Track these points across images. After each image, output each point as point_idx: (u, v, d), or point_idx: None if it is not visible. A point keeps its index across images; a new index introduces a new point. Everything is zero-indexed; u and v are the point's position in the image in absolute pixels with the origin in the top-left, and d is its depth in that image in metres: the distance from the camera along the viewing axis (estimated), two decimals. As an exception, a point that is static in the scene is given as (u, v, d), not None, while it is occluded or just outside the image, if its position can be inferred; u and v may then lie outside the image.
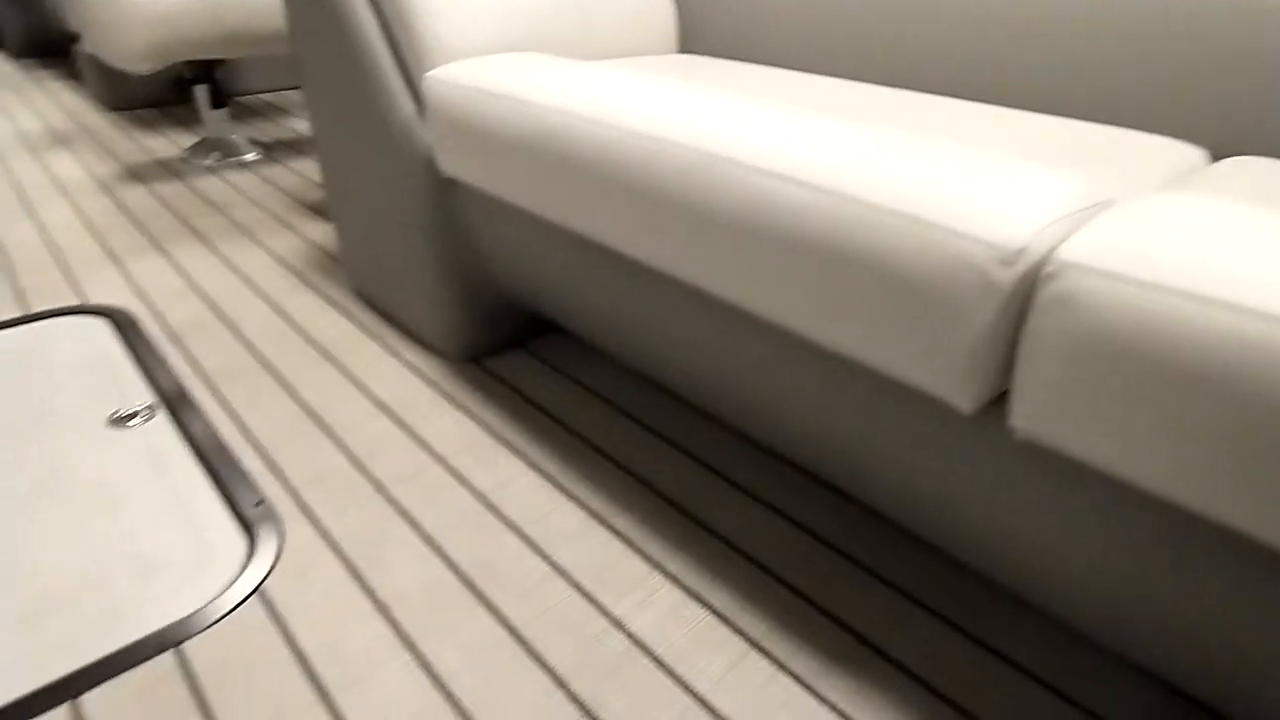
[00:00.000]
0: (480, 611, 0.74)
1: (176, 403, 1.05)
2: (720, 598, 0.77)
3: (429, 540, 0.82)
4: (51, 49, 3.52)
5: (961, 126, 0.82)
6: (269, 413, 1.03)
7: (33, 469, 0.92)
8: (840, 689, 0.68)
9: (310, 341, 1.20)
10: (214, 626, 0.72)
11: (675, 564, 0.80)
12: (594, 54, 1.16)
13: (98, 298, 1.33)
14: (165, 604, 0.74)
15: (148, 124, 2.44)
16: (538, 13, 1.07)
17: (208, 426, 1.00)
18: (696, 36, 1.29)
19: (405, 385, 1.09)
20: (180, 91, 2.69)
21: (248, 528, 0.84)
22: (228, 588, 0.76)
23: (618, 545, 0.82)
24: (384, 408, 1.04)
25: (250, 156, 2.11)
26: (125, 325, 1.24)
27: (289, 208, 1.76)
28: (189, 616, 0.73)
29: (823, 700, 0.67)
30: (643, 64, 1.17)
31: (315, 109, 1.21)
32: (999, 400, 0.56)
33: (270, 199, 1.81)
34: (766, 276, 0.62)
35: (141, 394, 1.06)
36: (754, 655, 0.71)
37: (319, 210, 1.74)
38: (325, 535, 0.83)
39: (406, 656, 0.70)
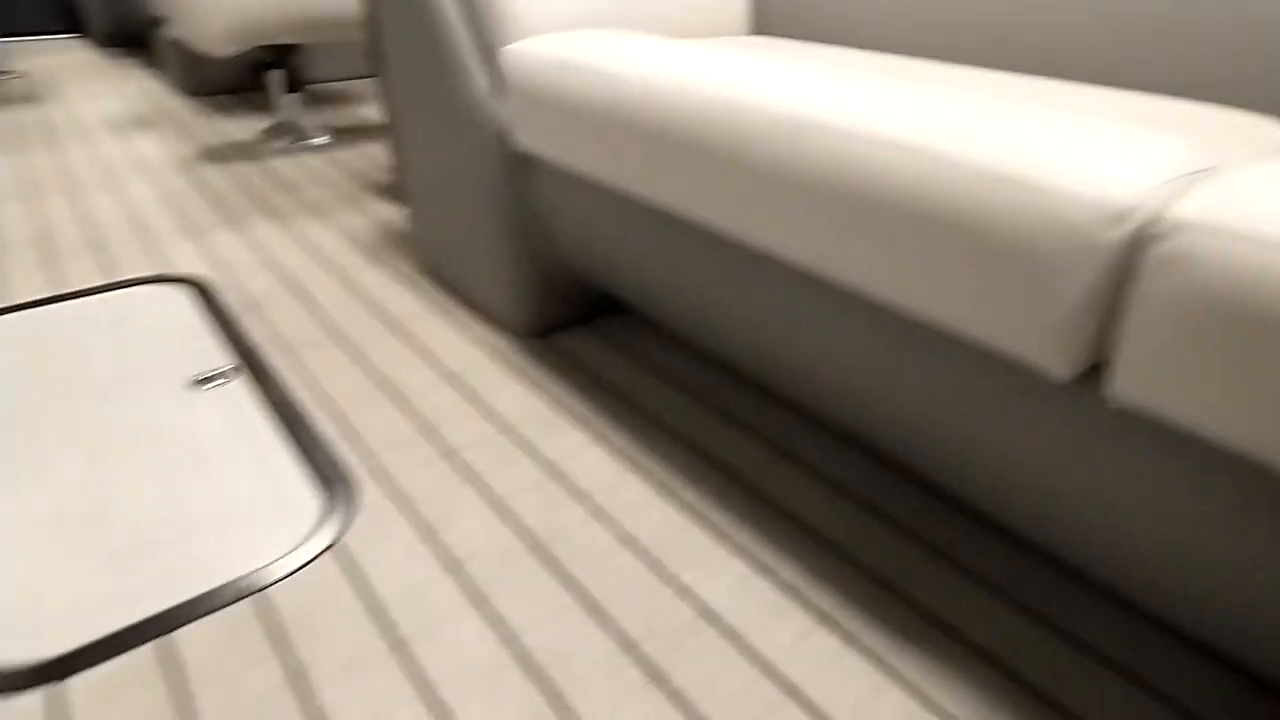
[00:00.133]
0: (549, 574, 0.75)
1: (254, 367, 1.08)
2: (788, 571, 0.76)
3: (498, 504, 0.84)
4: (134, 38, 3.67)
5: (1049, 101, 0.80)
6: (342, 379, 1.06)
7: (122, 424, 0.96)
8: (913, 666, 0.67)
9: (380, 314, 1.23)
10: (294, 576, 0.74)
11: (742, 537, 0.80)
12: (666, 35, 1.16)
13: (179, 268, 1.38)
14: (247, 553, 0.77)
15: (224, 109, 2.53)
16: (614, -10, 1.08)
17: (284, 390, 1.03)
18: (770, 18, 1.28)
19: (473, 357, 1.11)
20: (255, 78, 2.78)
21: (324, 485, 0.86)
22: (306, 540, 0.78)
23: (685, 517, 0.82)
24: (453, 378, 1.06)
25: (320, 140, 2.16)
26: (205, 294, 1.28)
27: (358, 189, 1.80)
28: (270, 565, 0.75)
29: (895, 675, 0.66)
30: (718, 44, 1.16)
31: (392, 90, 1.24)
32: (1092, 370, 0.54)
33: (340, 180, 1.86)
34: (855, 243, 0.61)
35: (221, 358, 1.10)
36: (823, 628, 0.70)
37: (386, 192, 1.78)
38: (398, 495, 0.85)
39: (478, 613, 0.71)
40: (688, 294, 0.91)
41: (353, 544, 0.78)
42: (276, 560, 0.76)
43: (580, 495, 0.85)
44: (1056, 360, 0.52)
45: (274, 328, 1.18)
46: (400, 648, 0.67)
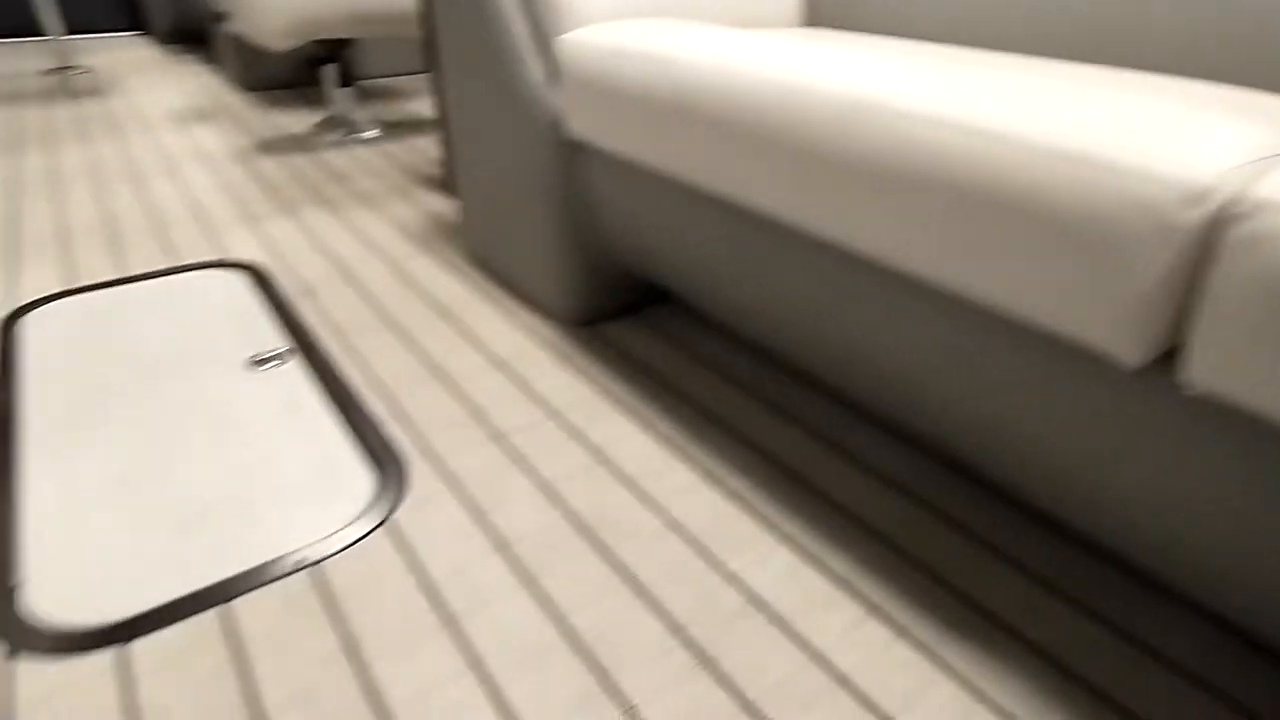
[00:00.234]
0: (597, 556, 0.75)
1: (308, 350, 1.10)
2: (837, 562, 0.75)
3: (546, 487, 0.84)
4: (194, 36, 3.78)
5: (1118, 85, 0.78)
6: (392, 362, 1.07)
7: (184, 401, 0.99)
8: (966, 659, 0.65)
9: (430, 301, 1.25)
10: (347, 550, 0.76)
11: (790, 526, 0.79)
12: (719, 25, 1.16)
13: (236, 254, 1.42)
14: (302, 527, 0.79)
15: (279, 103, 2.59)
16: (668, -20, 1.08)
17: (336, 372, 1.05)
18: (822, 10, 1.27)
19: (521, 344, 1.12)
20: (308, 73, 2.84)
21: (375, 464, 0.88)
22: (358, 517, 0.80)
23: (732, 505, 0.82)
24: (501, 363, 1.07)
25: (371, 134, 2.20)
26: (261, 279, 1.32)
27: (408, 181, 1.83)
28: (324, 539, 0.77)
29: (947, 668, 0.65)
30: (773, 33, 1.16)
31: (444, 82, 1.25)
32: (1164, 356, 0.53)
33: (390, 172, 1.89)
34: (920, 228, 0.60)
35: (276, 340, 1.13)
36: (873, 619, 0.69)
37: (436, 184, 1.81)
38: (448, 476, 0.86)
39: (527, 592, 0.71)
40: (738, 282, 0.90)
41: (404, 521, 0.79)
42: (331, 535, 0.78)
43: (627, 481, 0.85)
44: (1128, 346, 0.50)
45: (327, 312, 1.21)
46: (450, 623, 0.68)
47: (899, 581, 0.73)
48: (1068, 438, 0.62)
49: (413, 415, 0.96)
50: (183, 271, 1.35)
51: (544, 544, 0.77)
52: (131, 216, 1.59)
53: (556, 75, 1.03)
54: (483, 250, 1.34)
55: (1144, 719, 0.61)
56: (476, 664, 0.64)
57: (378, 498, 0.83)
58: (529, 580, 0.73)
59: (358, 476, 0.86)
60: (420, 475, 0.86)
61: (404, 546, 0.76)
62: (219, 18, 2.19)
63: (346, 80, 2.18)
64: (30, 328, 1.16)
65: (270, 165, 1.93)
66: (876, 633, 0.68)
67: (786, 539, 0.78)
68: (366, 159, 2.00)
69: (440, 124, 1.62)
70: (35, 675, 0.63)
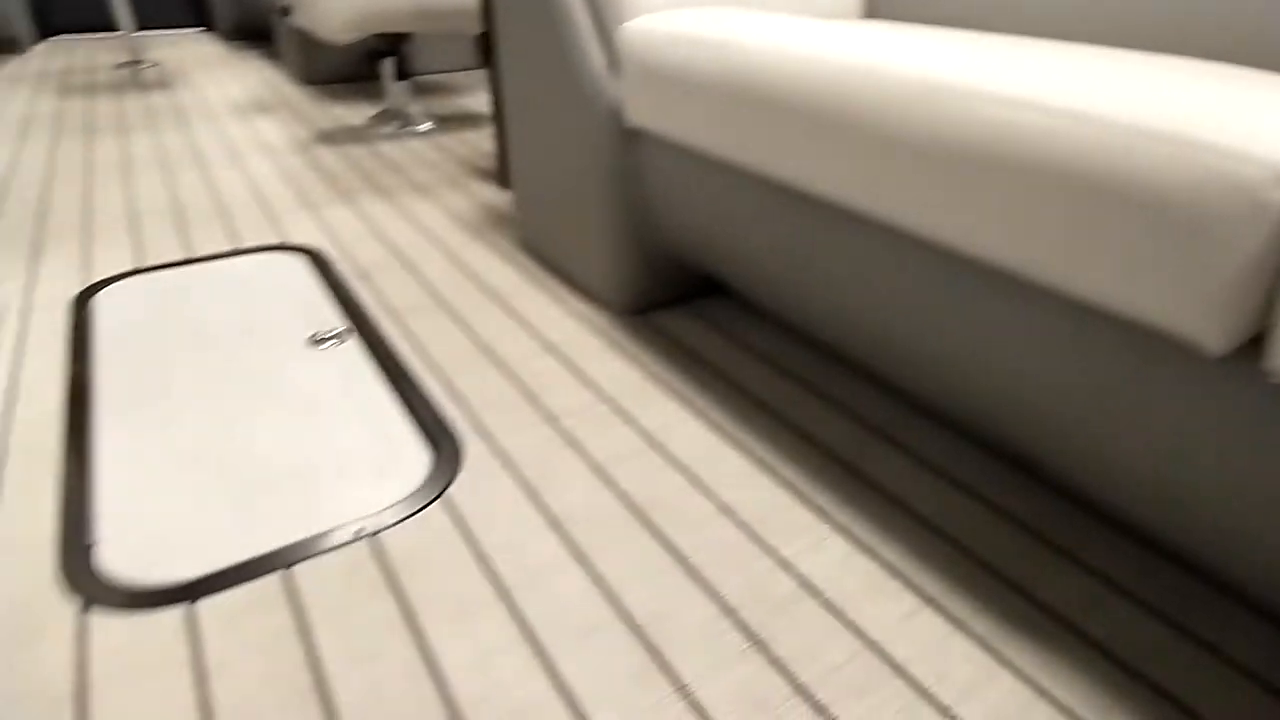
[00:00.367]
0: (648, 537, 0.76)
1: (364, 330, 1.13)
2: (891, 552, 0.74)
3: (598, 469, 0.85)
4: (256, 32, 3.89)
5: (1199, 71, 0.76)
6: (447, 344, 1.09)
7: (247, 376, 1.02)
8: (1026, 656, 0.64)
9: (483, 286, 1.26)
10: (404, 522, 0.77)
11: (843, 515, 0.78)
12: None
13: (296, 238, 1.46)
14: (360, 499, 0.80)
15: (337, 96, 2.65)
16: (729, -31, 1.08)
17: (392, 352, 1.07)
18: (881, 3, 1.25)
19: (572, 330, 1.13)
20: (365, 68, 2.91)
21: (430, 440, 0.89)
22: (414, 491, 0.81)
23: (784, 493, 0.82)
24: (552, 348, 1.08)
25: (426, 127, 2.24)
26: (319, 262, 1.35)
27: (461, 172, 1.86)
28: (381, 511, 0.79)
29: (1006, 663, 0.63)
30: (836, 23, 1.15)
31: (502, 72, 1.27)
32: (1249, 342, 0.51)
33: (444, 164, 1.92)
34: (995, 213, 0.59)
35: (335, 320, 1.15)
36: (930, 611, 0.68)
37: (488, 176, 1.83)
38: (501, 454, 0.87)
39: (580, 569, 0.72)
40: (795, 271, 0.90)
41: (458, 497, 0.81)
42: (388, 508, 0.79)
43: (679, 465, 0.85)
44: (1213, 332, 0.49)
45: (383, 295, 1.23)
46: (504, 596, 0.69)
47: (954, 574, 0.72)
48: (1140, 430, 0.60)
49: (466, 395, 0.97)
50: (245, 254, 1.39)
51: (596, 523, 0.77)
52: (197, 201, 1.64)
53: (616, 64, 1.04)
54: (535, 239, 1.35)
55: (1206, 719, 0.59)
56: (530, 636, 0.65)
57: (433, 473, 0.84)
58: (581, 558, 0.73)
59: (413, 452, 0.87)
60: (474, 453, 0.87)
61: (459, 521, 0.77)
62: (284, 12, 2.25)
63: (403, 74, 2.23)
64: (103, 304, 1.21)
65: (328, 155, 1.98)
66: (932, 624, 0.67)
67: (839, 528, 0.77)
68: (420, 151, 2.03)
69: (494, 117, 1.64)
70: (108, 629, 0.66)
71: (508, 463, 0.85)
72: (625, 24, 0.97)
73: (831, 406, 0.96)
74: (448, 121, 2.32)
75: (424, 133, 2.20)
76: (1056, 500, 0.80)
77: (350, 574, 0.71)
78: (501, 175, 1.72)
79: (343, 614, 0.67)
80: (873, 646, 0.65)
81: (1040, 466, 0.80)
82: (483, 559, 0.73)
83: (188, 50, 3.58)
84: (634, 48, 0.94)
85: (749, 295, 1.09)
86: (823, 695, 0.60)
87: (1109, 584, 0.71)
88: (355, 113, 2.42)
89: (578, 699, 0.60)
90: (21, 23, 3.45)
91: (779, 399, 0.97)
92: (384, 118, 2.31)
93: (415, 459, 0.86)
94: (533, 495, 0.81)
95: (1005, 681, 0.62)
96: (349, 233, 1.48)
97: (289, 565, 0.72)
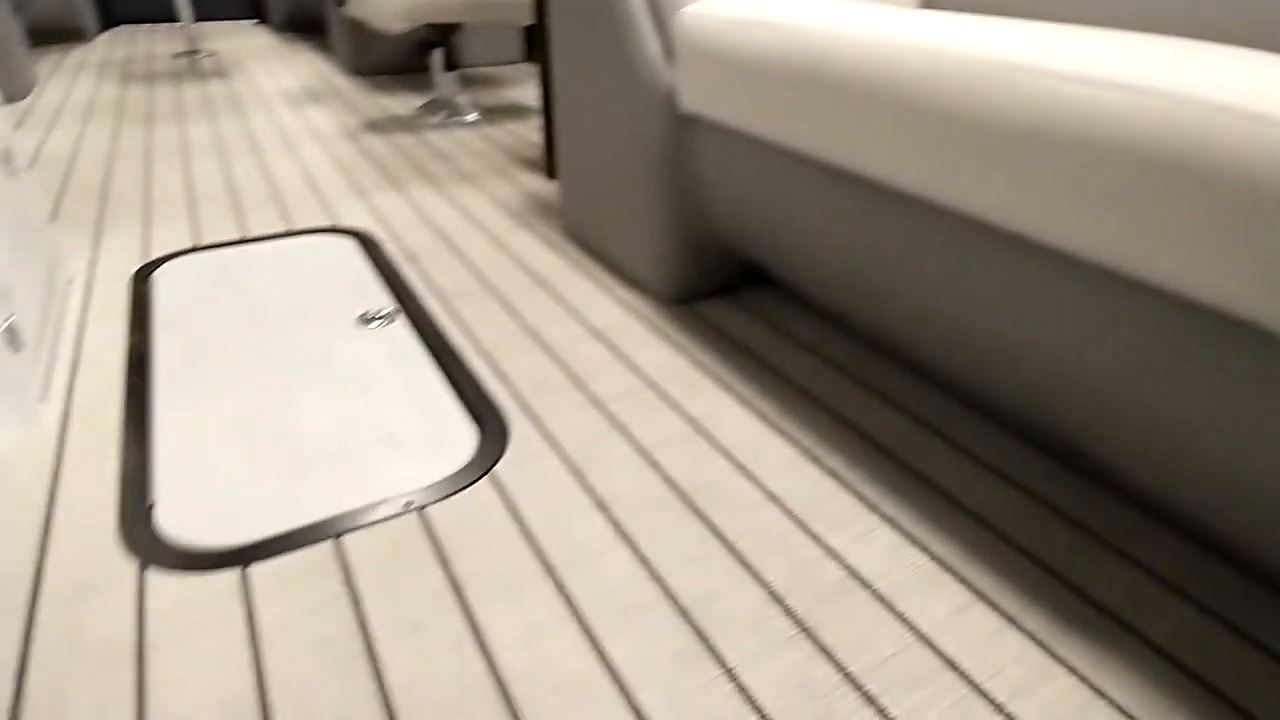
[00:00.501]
0: (695, 521, 0.75)
1: (412, 311, 1.14)
2: (941, 547, 0.73)
3: (644, 452, 0.84)
4: (308, 24, 3.96)
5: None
6: (493, 327, 1.10)
7: (299, 351, 1.03)
8: (1079, 654, 0.62)
9: (528, 272, 1.27)
10: (451, 498, 0.78)
11: (891, 507, 0.77)
12: (835, 4, 1.14)
13: (346, 222, 1.48)
14: (408, 473, 0.81)
15: (385, 87, 2.69)
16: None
17: (440, 332, 1.08)
18: (941, -7, 1.23)
19: (617, 316, 1.13)
20: (414, 60, 2.94)
21: (477, 419, 0.90)
22: (462, 468, 0.82)
23: (831, 482, 0.81)
24: (598, 334, 1.08)
25: (472, 117, 2.26)
26: (369, 245, 1.37)
27: (507, 162, 1.87)
28: (429, 486, 0.79)
29: (1059, 661, 0.62)
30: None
31: (554, 61, 1.27)
32: (1340, 338, 0.49)
33: (490, 153, 1.93)
34: (1068, 196, 0.58)
35: (383, 301, 1.17)
36: (981, 606, 0.67)
37: (534, 165, 1.84)
38: (547, 435, 0.87)
39: (625, 550, 0.72)
40: (848, 258, 0.88)
41: (504, 475, 0.81)
42: (435, 483, 0.80)
43: (724, 452, 0.85)
44: (1298, 320, 0.47)
45: (430, 278, 1.24)
46: (551, 574, 0.69)
47: (1005, 569, 0.70)
48: (1207, 423, 0.58)
49: (512, 377, 0.98)
50: (298, 235, 1.41)
51: (642, 506, 0.77)
52: (251, 185, 1.68)
53: (671, 50, 1.03)
54: (580, 228, 1.36)
55: (1283, 732, 0.57)
56: (577, 614, 0.65)
57: (479, 451, 0.84)
58: (626, 539, 0.73)
59: (460, 430, 0.88)
60: (520, 433, 0.87)
61: (505, 499, 0.78)
62: (339, 3, 2.29)
63: (451, 65, 2.25)
64: (161, 279, 1.24)
65: (377, 143, 2.01)
66: (985, 619, 0.65)
67: (887, 520, 0.76)
68: (467, 140, 2.05)
69: (543, 106, 1.65)
70: (164, 588, 0.67)
71: (554, 444, 0.86)
72: (683, 9, 0.97)
73: (877, 398, 0.94)
74: (494, 113, 2.34)
75: (471, 123, 2.22)
76: (1107, 496, 0.78)
77: (398, 546, 0.72)
78: (548, 165, 1.73)
79: (391, 585, 0.68)
80: (923, 639, 0.63)
81: (1095, 461, 0.77)
82: (529, 536, 0.73)
83: (242, 41, 3.67)
84: (692, 32, 0.93)
85: (795, 284, 1.08)
86: (872, 686, 0.59)
87: (1162, 582, 0.68)
88: (403, 103, 2.45)
89: (624, 678, 0.60)
90: (87, 13, 3.56)
91: (824, 389, 0.96)
92: (432, 108, 2.34)
93: (462, 437, 0.87)
94: (578, 476, 0.81)
95: (1060, 680, 0.60)
96: (397, 218, 1.50)
97: (338, 535, 0.73)
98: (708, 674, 0.60)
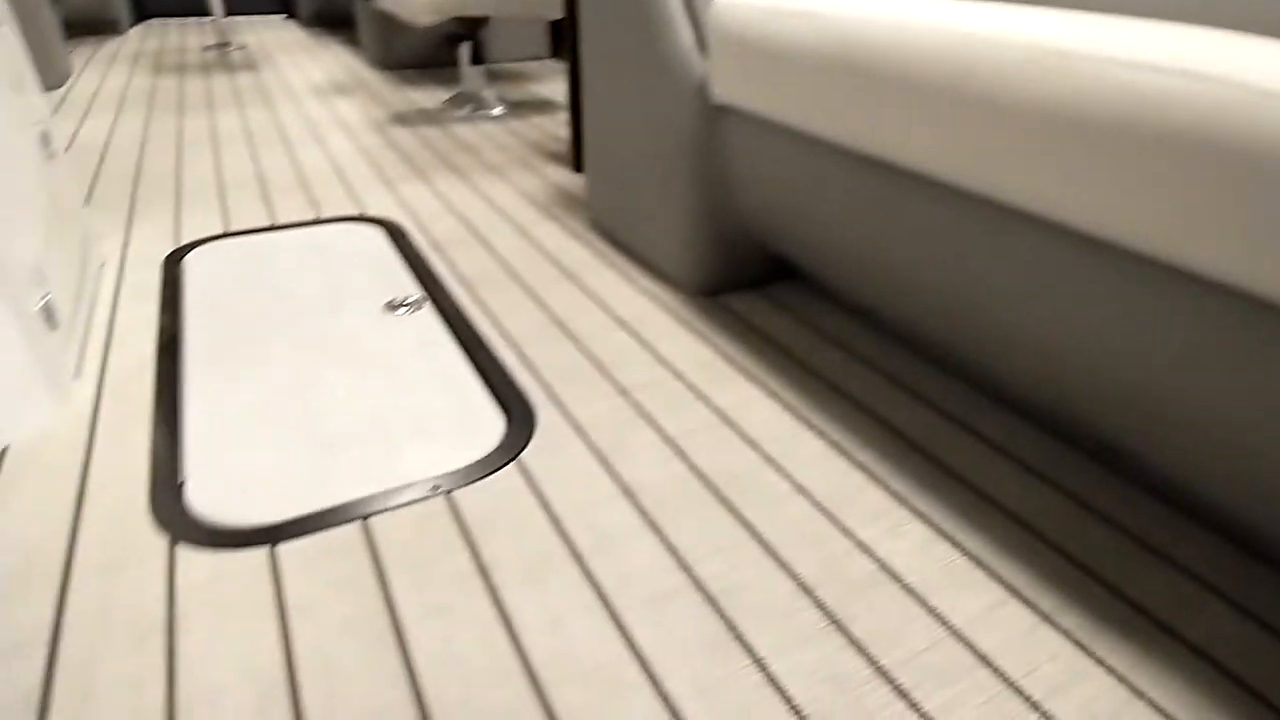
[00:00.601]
0: (723, 511, 0.74)
1: (439, 299, 1.14)
2: (973, 542, 0.72)
3: (670, 442, 0.84)
4: (336, 20, 3.99)
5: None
6: (519, 315, 1.10)
7: (326, 336, 1.04)
8: (1117, 654, 0.61)
9: (554, 262, 1.27)
10: (478, 482, 0.78)
11: (922, 502, 0.76)
12: None
13: (373, 211, 1.49)
14: (435, 458, 0.81)
15: (412, 81, 2.70)
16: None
17: (467, 320, 1.08)
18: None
19: (643, 307, 1.12)
20: (440, 54, 2.96)
21: (503, 406, 0.89)
22: (489, 454, 0.82)
23: (860, 476, 0.80)
24: (623, 324, 1.08)
25: (498, 111, 2.27)
26: (396, 234, 1.37)
27: (532, 155, 1.87)
28: (457, 470, 0.79)
29: (1097, 660, 0.60)
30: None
31: (583, 54, 1.27)
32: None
33: (515, 146, 1.94)
34: (1114, 182, 0.56)
35: (411, 288, 1.17)
36: (1015, 603, 0.65)
37: (559, 159, 1.84)
38: (574, 423, 0.87)
39: (652, 537, 0.71)
40: (880, 249, 0.87)
41: (531, 462, 0.81)
42: (462, 468, 0.80)
43: (752, 443, 0.84)
44: (1359, 310, 0.46)
45: (456, 267, 1.25)
46: (577, 559, 0.69)
47: (1041, 568, 0.69)
48: (1259, 420, 0.57)
49: (538, 365, 0.98)
50: (325, 223, 1.42)
51: (669, 495, 0.76)
52: (280, 174, 1.69)
53: (703, 41, 1.03)
54: (606, 220, 1.35)
55: (1329, 738, 0.55)
56: (603, 600, 0.65)
57: (506, 438, 0.84)
58: (654, 527, 0.72)
59: (486, 416, 0.88)
60: (546, 421, 0.87)
61: (532, 484, 0.77)
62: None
63: (477, 60, 2.26)
64: (192, 263, 1.25)
65: (404, 135, 2.02)
66: (1019, 615, 0.64)
67: (918, 514, 0.75)
68: (493, 133, 2.05)
69: (571, 98, 1.65)
70: (193, 564, 0.68)
71: (580, 431, 0.85)
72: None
73: (907, 393, 0.93)
74: (519, 107, 2.34)
75: (496, 117, 2.22)
76: (1140, 494, 0.77)
77: (425, 529, 0.72)
78: (574, 158, 1.73)
79: (418, 567, 0.68)
80: (956, 635, 0.62)
81: (1131, 458, 0.76)
82: (555, 522, 0.73)
83: (271, 35, 3.70)
84: (726, 21, 0.93)
85: (824, 277, 1.06)
86: (904, 680, 0.59)
87: (1199, 581, 0.67)
88: (429, 96, 2.46)
89: (651, 665, 0.59)
90: (120, 6, 3.61)
91: (853, 383, 0.95)
92: (458, 101, 2.34)
93: (489, 423, 0.87)
94: (605, 464, 0.80)
95: (1097, 680, 0.59)
96: (424, 208, 1.51)
97: (366, 516, 0.73)
98: (737, 663, 0.59)
